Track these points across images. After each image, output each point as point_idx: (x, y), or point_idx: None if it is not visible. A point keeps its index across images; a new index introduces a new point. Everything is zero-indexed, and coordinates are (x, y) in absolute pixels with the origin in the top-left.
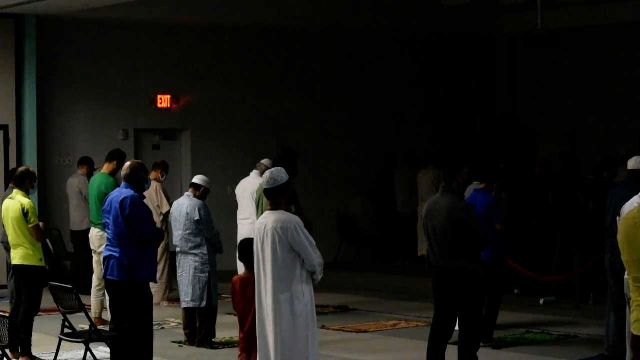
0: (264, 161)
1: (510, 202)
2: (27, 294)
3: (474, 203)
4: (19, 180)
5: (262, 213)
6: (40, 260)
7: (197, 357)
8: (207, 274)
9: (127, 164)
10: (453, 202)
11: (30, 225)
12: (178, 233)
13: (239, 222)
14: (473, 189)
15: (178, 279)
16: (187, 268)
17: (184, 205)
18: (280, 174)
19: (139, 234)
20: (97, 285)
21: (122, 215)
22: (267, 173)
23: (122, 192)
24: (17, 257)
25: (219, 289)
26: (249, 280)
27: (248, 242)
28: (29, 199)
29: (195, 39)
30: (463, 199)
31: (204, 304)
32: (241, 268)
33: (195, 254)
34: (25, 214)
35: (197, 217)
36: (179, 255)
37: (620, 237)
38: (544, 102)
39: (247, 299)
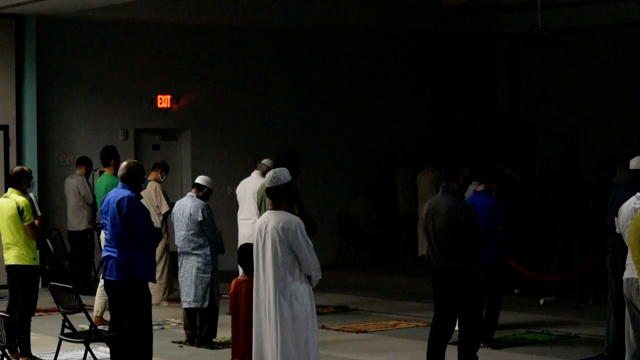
0: (265, 161)
1: (506, 203)
2: (23, 294)
3: (475, 205)
4: (14, 180)
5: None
6: (34, 259)
7: (197, 357)
8: (210, 275)
9: (124, 164)
10: (453, 202)
11: (25, 223)
12: (180, 233)
13: (239, 222)
14: (473, 190)
15: (179, 279)
16: (190, 268)
17: (187, 206)
18: (283, 173)
19: (137, 234)
20: (103, 285)
21: (119, 215)
22: (271, 172)
23: (118, 192)
24: (10, 257)
25: (220, 289)
26: (250, 283)
27: (248, 247)
28: (24, 197)
29: (195, 39)
30: (463, 199)
31: (206, 304)
32: (242, 270)
33: (198, 255)
34: (20, 212)
35: (200, 218)
36: (181, 256)
37: (630, 237)
38: (544, 102)
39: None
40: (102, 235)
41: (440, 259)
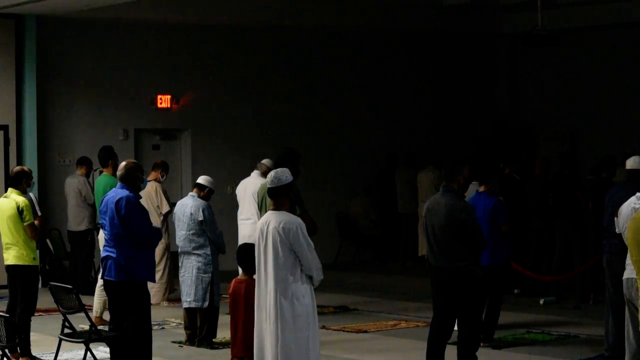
0: (265, 161)
1: (506, 203)
2: (23, 294)
3: (477, 206)
4: (14, 180)
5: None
6: (34, 259)
7: (197, 357)
8: (210, 275)
9: (123, 163)
10: (453, 202)
11: (25, 223)
12: (181, 233)
13: (239, 222)
14: (474, 190)
15: (180, 279)
16: (190, 268)
17: (188, 206)
18: (284, 173)
19: (135, 234)
20: (102, 285)
21: (118, 216)
22: (272, 172)
23: (117, 192)
24: (10, 257)
25: (220, 289)
26: (249, 283)
27: (247, 247)
28: (24, 197)
29: (195, 39)
30: (463, 199)
31: (206, 304)
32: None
33: (198, 254)
34: (20, 212)
35: (200, 218)
36: (182, 256)
37: (629, 237)
38: (544, 102)
39: (249, 303)
40: (101, 235)
41: (439, 258)
